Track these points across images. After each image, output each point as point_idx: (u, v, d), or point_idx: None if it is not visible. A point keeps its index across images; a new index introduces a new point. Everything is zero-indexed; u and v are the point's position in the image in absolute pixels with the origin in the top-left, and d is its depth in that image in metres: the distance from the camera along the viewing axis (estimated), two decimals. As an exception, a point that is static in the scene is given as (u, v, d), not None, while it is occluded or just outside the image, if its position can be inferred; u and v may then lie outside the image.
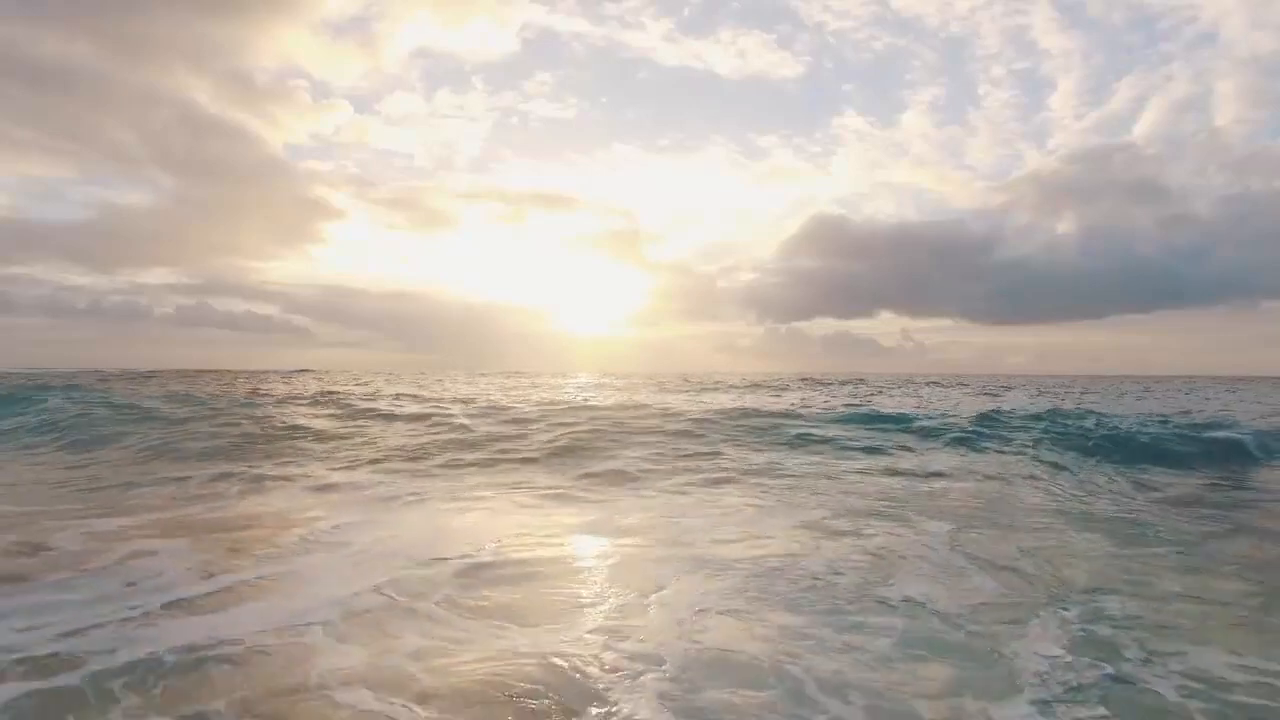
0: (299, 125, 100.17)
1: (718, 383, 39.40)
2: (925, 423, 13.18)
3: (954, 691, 3.06)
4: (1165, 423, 12.92)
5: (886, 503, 7.22)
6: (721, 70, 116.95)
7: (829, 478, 8.78)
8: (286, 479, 8.57)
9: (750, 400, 20.06)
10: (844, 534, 5.82)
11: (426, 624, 3.77)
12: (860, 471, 9.30)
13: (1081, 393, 30.27)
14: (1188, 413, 16.58)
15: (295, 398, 20.22)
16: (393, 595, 4.19)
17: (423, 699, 2.95)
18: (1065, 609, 4.04)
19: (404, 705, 2.89)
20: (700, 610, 3.97)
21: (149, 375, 47.34)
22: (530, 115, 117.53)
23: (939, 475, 8.97)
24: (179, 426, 13.17)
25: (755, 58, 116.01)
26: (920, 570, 4.78)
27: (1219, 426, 12.56)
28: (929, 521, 6.31)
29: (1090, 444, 11.06)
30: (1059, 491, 8.18)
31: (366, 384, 33.27)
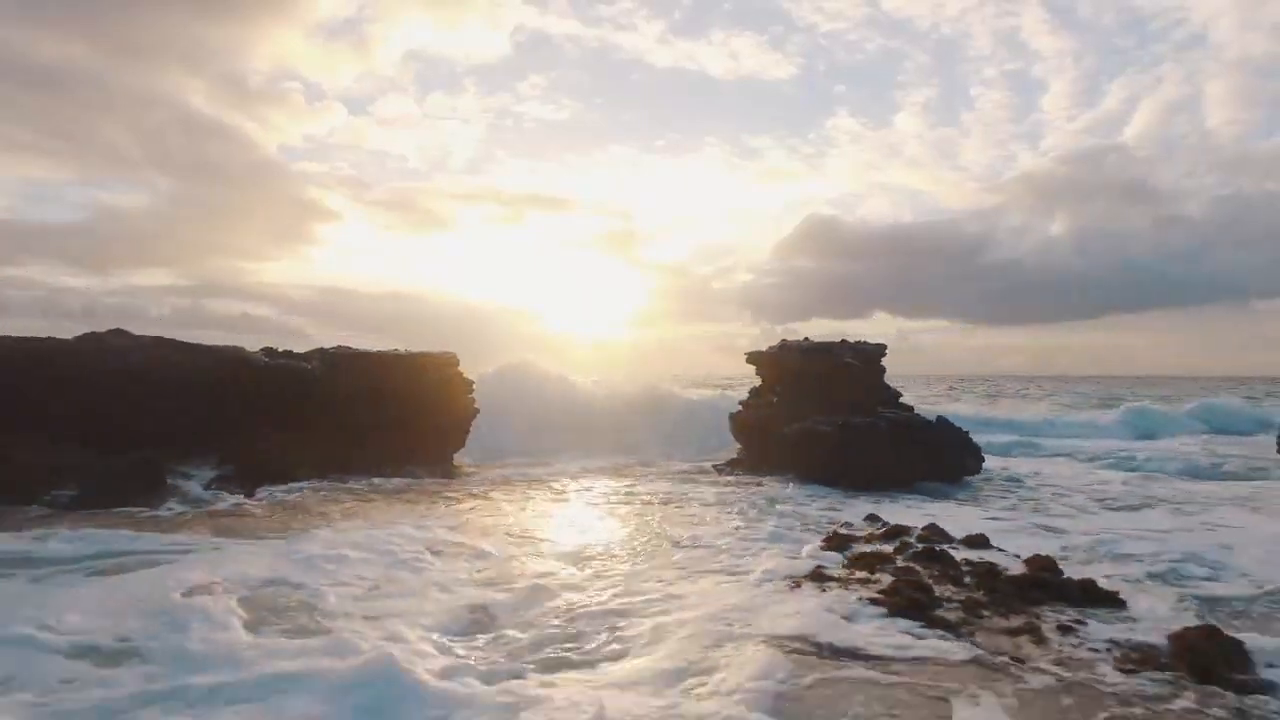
0: (293, 127, 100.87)
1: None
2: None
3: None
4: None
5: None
6: (714, 72, 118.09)
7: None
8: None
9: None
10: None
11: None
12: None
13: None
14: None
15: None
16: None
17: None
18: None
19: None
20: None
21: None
22: (524, 117, 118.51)
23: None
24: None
25: (748, 59, 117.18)
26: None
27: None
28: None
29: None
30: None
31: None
